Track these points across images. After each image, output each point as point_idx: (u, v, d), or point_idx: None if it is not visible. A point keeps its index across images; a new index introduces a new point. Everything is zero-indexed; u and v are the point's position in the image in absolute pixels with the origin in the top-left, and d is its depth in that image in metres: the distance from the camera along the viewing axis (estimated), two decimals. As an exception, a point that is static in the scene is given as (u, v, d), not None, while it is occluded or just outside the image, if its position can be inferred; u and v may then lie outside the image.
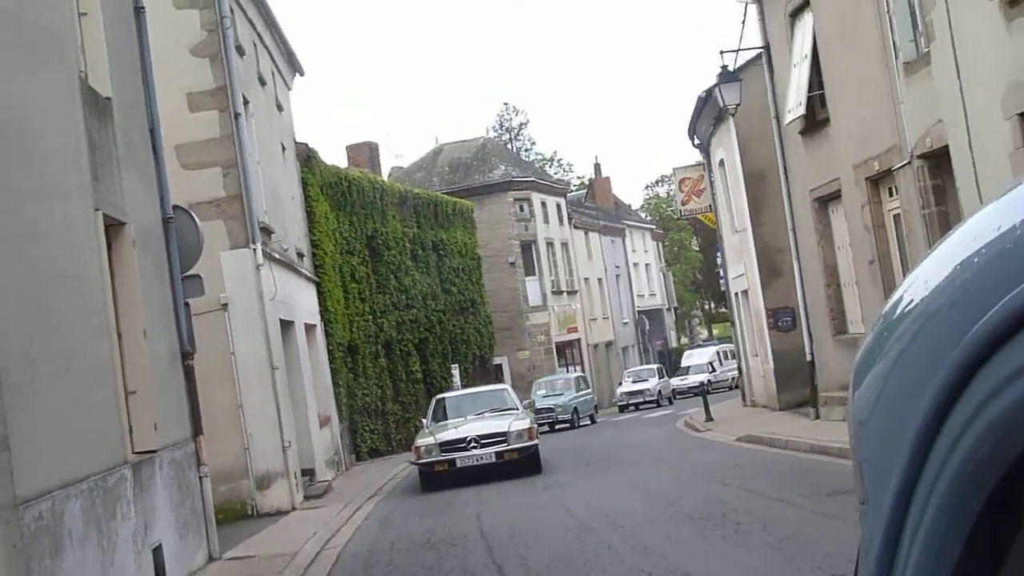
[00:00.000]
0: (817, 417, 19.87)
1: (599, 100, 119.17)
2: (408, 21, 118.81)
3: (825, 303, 19.79)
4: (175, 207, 12.16)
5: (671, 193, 37.79)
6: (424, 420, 20.21)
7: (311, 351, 22.77)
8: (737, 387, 33.90)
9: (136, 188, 10.81)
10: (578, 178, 77.17)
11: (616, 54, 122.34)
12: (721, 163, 27.67)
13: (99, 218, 9.17)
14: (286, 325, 19.52)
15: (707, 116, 26.85)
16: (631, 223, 63.03)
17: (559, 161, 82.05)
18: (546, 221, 48.70)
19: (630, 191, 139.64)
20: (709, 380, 41.58)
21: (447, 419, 19.55)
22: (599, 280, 55.42)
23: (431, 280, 36.51)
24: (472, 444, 17.94)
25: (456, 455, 17.83)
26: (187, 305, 12.03)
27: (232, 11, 18.10)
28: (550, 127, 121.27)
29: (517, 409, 19.75)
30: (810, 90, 18.37)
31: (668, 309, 67.14)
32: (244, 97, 18.01)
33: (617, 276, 57.97)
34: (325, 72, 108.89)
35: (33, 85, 8.05)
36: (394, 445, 30.08)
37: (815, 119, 18.67)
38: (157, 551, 9.72)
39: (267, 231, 18.69)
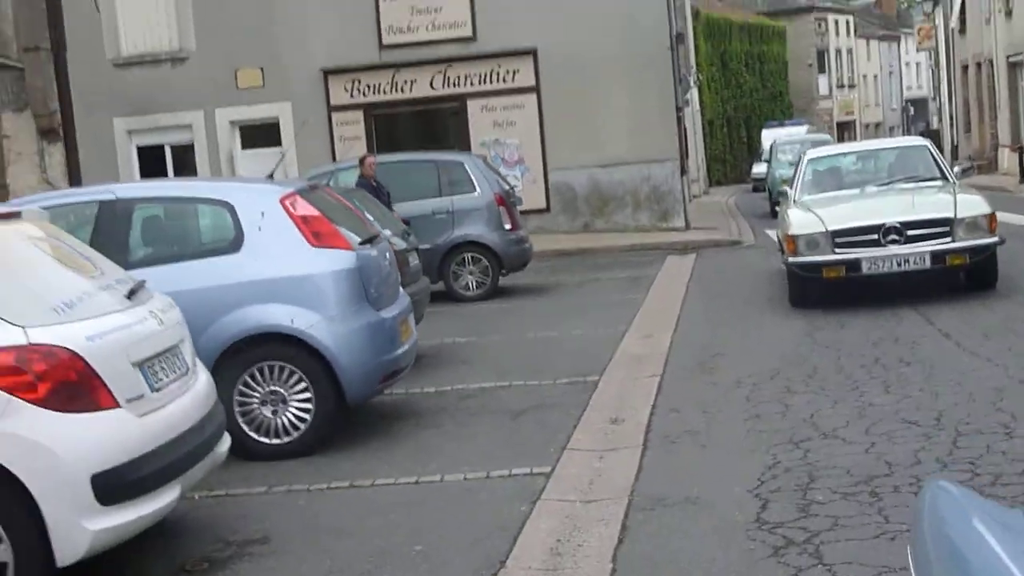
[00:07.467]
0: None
1: None
2: None
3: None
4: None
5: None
6: (788, 189, 12.64)
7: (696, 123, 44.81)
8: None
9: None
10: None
11: None
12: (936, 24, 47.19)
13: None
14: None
15: None
16: (907, 31, 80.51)
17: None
18: (836, 34, 67.96)
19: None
20: None
21: (825, 192, 12.10)
22: (875, 76, 74.34)
23: (755, 79, 57.66)
24: (891, 236, 10.48)
25: (861, 253, 10.52)
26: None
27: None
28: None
29: (949, 180, 12.02)
30: (960, 14, 38.27)
31: (932, 99, 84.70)
32: None
33: (890, 73, 76.54)
34: None
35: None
36: (728, 179, 52.30)
37: (963, 26, 38.54)
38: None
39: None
